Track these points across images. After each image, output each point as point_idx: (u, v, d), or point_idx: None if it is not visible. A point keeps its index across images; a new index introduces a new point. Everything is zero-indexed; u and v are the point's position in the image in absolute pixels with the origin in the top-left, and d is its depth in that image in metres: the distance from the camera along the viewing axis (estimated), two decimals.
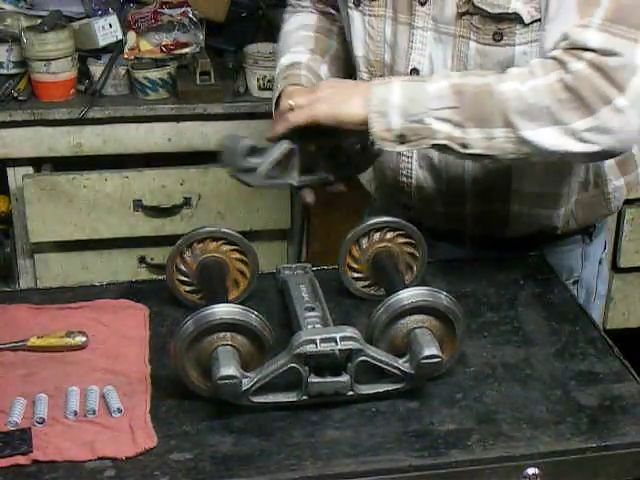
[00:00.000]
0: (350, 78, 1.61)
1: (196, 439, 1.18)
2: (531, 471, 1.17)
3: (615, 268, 2.69)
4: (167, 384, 1.27)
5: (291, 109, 1.35)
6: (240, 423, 1.21)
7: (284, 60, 1.65)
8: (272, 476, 1.13)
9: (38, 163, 2.48)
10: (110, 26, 2.44)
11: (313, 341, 1.19)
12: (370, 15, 1.53)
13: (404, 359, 1.24)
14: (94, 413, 1.21)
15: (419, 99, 1.31)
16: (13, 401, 1.22)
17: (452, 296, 1.27)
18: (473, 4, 1.39)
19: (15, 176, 2.44)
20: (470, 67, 1.44)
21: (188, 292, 1.45)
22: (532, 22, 1.38)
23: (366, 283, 1.48)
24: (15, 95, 2.39)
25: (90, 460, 1.14)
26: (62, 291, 1.53)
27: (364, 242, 1.46)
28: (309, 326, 1.31)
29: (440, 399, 1.26)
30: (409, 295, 1.25)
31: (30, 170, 2.45)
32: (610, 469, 1.20)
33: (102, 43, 2.44)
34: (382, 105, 1.32)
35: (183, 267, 1.43)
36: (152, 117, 2.41)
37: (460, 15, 1.42)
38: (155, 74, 2.41)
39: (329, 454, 1.16)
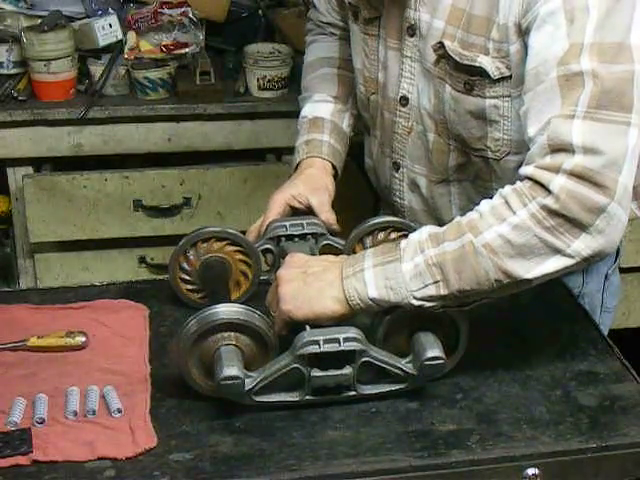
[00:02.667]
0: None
1: (196, 439, 1.18)
2: (531, 471, 1.17)
3: None
4: (167, 384, 1.27)
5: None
6: (240, 423, 1.21)
7: (307, 110, 1.65)
8: (272, 476, 1.13)
9: (38, 163, 2.48)
10: (110, 26, 2.44)
11: (316, 342, 1.19)
12: (365, 34, 1.52)
13: (407, 360, 1.24)
14: (94, 413, 1.21)
15: (397, 286, 1.21)
16: (13, 401, 1.22)
17: None
18: (446, 50, 1.37)
19: (15, 176, 2.44)
20: (446, 110, 1.42)
21: (189, 291, 1.45)
22: (501, 79, 1.34)
23: None
24: (15, 95, 2.39)
25: (90, 460, 1.14)
26: (62, 291, 1.53)
27: (368, 241, 1.46)
28: None
29: (440, 399, 1.26)
30: None
31: (30, 170, 2.45)
32: (610, 469, 1.20)
33: (102, 43, 2.44)
34: (362, 300, 1.23)
35: (186, 266, 1.43)
36: (152, 117, 2.40)
37: (438, 58, 1.40)
38: (155, 74, 2.41)
39: (329, 454, 1.16)
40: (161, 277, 1.51)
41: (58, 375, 1.29)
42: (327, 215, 1.52)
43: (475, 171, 1.46)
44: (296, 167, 1.60)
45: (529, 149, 1.23)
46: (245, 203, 2.46)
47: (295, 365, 1.20)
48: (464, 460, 1.16)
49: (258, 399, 1.22)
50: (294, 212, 1.52)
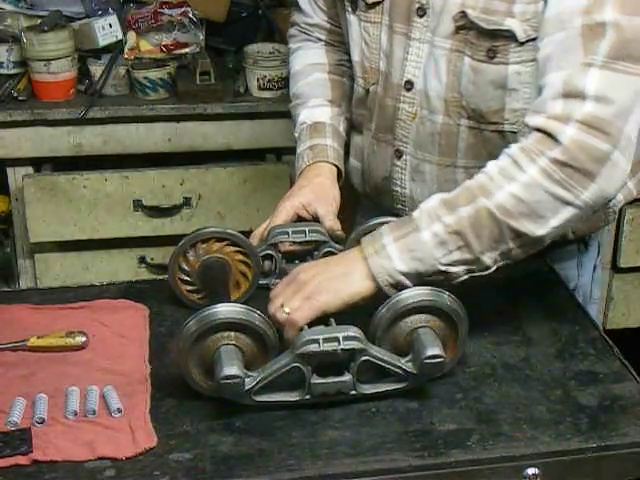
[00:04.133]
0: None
1: (196, 439, 1.18)
2: (531, 471, 1.17)
3: (615, 268, 2.69)
4: (167, 384, 1.27)
5: (288, 313, 1.27)
6: (240, 423, 1.21)
7: (305, 116, 1.64)
8: (272, 476, 1.13)
9: (38, 163, 2.48)
10: (110, 26, 2.44)
11: (316, 341, 1.19)
12: (366, 22, 1.51)
13: (407, 359, 1.24)
14: (94, 413, 1.21)
15: (423, 255, 1.25)
16: (13, 401, 1.22)
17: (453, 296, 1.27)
18: (469, 19, 1.37)
19: (15, 176, 2.44)
20: (463, 84, 1.41)
21: (189, 291, 1.45)
22: (527, 41, 1.35)
23: None
24: (15, 95, 2.39)
25: (90, 460, 1.14)
26: (62, 291, 1.53)
27: None
28: None
29: (440, 399, 1.26)
30: (412, 294, 1.26)
31: (30, 170, 2.45)
32: (610, 469, 1.20)
33: (102, 43, 2.44)
34: (391, 276, 1.26)
35: (185, 266, 1.44)
36: (152, 117, 2.41)
37: (457, 29, 1.40)
38: (155, 74, 2.41)
39: (329, 454, 1.16)
40: (161, 277, 1.52)
41: (58, 375, 1.29)
42: (331, 223, 1.51)
43: (487, 151, 1.45)
44: (300, 173, 1.59)
45: (540, 94, 1.27)
46: (245, 203, 2.46)
47: (295, 364, 1.20)
48: (464, 460, 1.16)
49: (258, 399, 1.22)
50: (299, 220, 1.52)
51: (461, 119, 1.45)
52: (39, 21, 2.42)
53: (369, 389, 1.24)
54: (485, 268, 1.29)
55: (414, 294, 1.26)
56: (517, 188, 1.23)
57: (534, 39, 1.34)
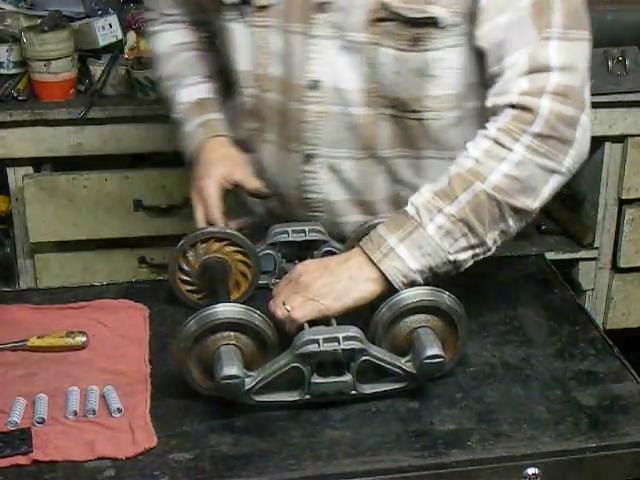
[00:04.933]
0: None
1: (196, 439, 1.18)
2: (531, 471, 1.17)
3: (615, 268, 2.69)
4: (167, 384, 1.27)
5: (289, 311, 1.27)
6: (240, 423, 1.21)
7: (185, 95, 1.59)
8: (272, 476, 1.13)
9: (38, 163, 2.48)
10: (110, 26, 2.44)
11: (316, 341, 1.19)
12: (256, 26, 1.44)
13: (406, 359, 1.24)
14: (94, 413, 1.21)
15: (432, 250, 1.27)
16: (13, 401, 1.22)
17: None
18: (390, 10, 1.35)
19: (15, 176, 2.44)
20: (383, 74, 1.40)
21: (189, 291, 1.45)
22: (450, 26, 1.36)
23: None
24: (15, 95, 2.39)
25: (90, 460, 1.14)
26: (62, 291, 1.53)
27: None
28: None
29: (440, 399, 1.26)
30: (412, 294, 1.26)
31: (30, 170, 2.45)
32: (610, 469, 1.20)
33: (102, 43, 2.44)
34: (406, 277, 1.28)
35: (185, 266, 1.43)
36: (152, 117, 2.40)
37: (373, 22, 1.37)
38: None
39: (329, 454, 1.16)
40: (161, 277, 1.51)
41: (58, 375, 1.29)
42: (254, 184, 1.50)
43: (408, 140, 1.45)
44: (198, 150, 1.55)
45: (494, 80, 1.32)
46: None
47: (295, 364, 1.20)
48: (464, 460, 1.16)
49: (258, 399, 1.22)
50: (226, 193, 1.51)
51: (382, 109, 1.43)
52: (39, 21, 2.41)
53: (369, 389, 1.24)
54: (487, 250, 1.32)
55: (414, 294, 1.26)
56: (509, 167, 1.27)
57: (458, 24, 1.35)
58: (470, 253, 1.30)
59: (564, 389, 1.28)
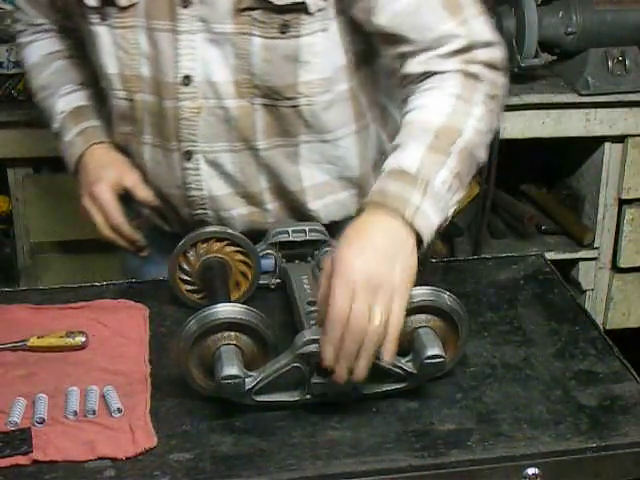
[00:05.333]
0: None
1: (196, 439, 1.18)
2: (531, 471, 1.17)
3: (615, 268, 2.69)
4: (167, 384, 1.27)
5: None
6: (240, 423, 1.21)
7: (61, 105, 1.58)
8: (272, 476, 1.13)
9: (38, 163, 2.48)
10: None
11: (316, 341, 1.19)
12: (121, 27, 1.42)
13: (407, 359, 1.24)
14: (94, 413, 1.21)
15: (444, 205, 1.27)
16: (13, 401, 1.22)
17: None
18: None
19: (15, 176, 2.44)
20: (254, 63, 1.39)
21: (189, 291, 1.45)
22: (318, 11, 1.37)
23: None
24: (15, 95, 2.39)
25: (90, 460, 1.14)
26: (62, 291, 1.53)
27: None
28: (312, 321, 1.31)
29: (440, 399, 1.26)
30: (413, 294, 1.25)
31: (30, 170, 2.45)
32: (610, 469, 1.20)
33: None
34: (431, 235, 1.24)
35: (186, 266, 1.44)
36: None
37: (239, 11, 1.37)
38: None
39: (329, 454, 1.16)
40: (161, 277, 1.51)
41: (58, 375, 1.29)
42: (144, 193, 1.51)
43: (283, 129, 1.45)
44: (80, 158, 1.55)
45: (412, 55, 1.37)
46: None
47: (295, 364, 1.20)
48: (464, 460, 1.16)
49: (258, 399, 1.22)
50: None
51: (255, 99, 1.43)
52: None
53: (369, 389, 1.24)
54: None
55: (414, 294, 1.25)
56: (476, 122, 1.33)
57: (324, 8, 1.37)
58: (454, 209, 1.31)
59: (564, 389, 1.28)
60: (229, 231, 1.45)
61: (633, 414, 1.23)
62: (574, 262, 2.70)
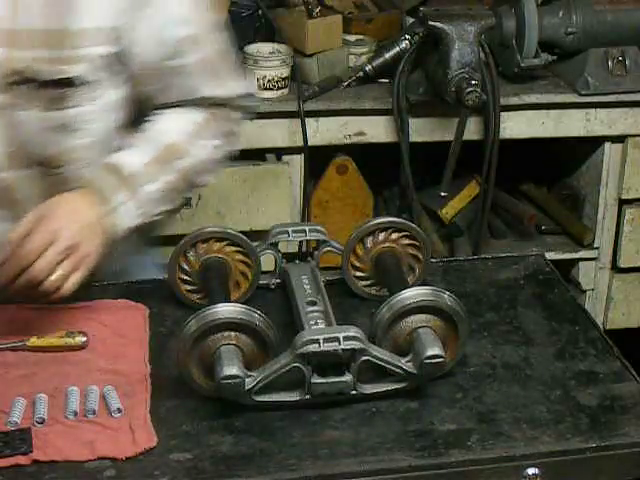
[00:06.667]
0: None
1: (196, 439, 1.18)
2: (531, 471, 1.17)
3: (615, 268, 2.69)
4: (167, 384, 1.27)
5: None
6: (240, 423, 1.21)
7: None
8: (272, 476, 1.13)
9: None
10: None
11: (316, 341, 1.19)
12: None
13: (407, 359, 1.24)
14: (94, 413, 1.21)
15: (145, 211, 1.41)
16: (13, 401, 1.22)
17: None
18: (24, 75, 1.35)
19: None
20: (26, 135, 1.40)
21: (189, 291, 1.45)
22: (87, 84, 1.38)
23: (368, 282, 1.48)
24: None
25: (90, 460, 1.14)
26: None
27: (369, 241, 1.46)
28: (311, 322, 1.31)
29: (440, 399, 1.26)
30: (413, 294, 1.26)
31: None
32: (610, 469, 1.20)
33: None
34: (122, 231, 1.38)
35: (186, 266, 1.44)
36: None
37: (8, 85, 1.36)
38: None
39: (329, 454, 1.16)
40: (161, 277, 1.52)
41: (58, 375, 1.29)
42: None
43: (52, 193, 1.41)
44: None
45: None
46: (245, 203, 2.46)
47: (295, 364, 1.20)
48: (464, 460, 1.16)
49: (258, 399, 1.22)
50: None
51: (28, 169, 1.43)
52: None
53: (369, 389, 1.24)
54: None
55: (414, 294, 1.26)
56: (209, 150, 1.46)
57: (96, 80, 1.39)
58: (163, 216, 1.44)
59: (564, 389, 1.28)
60: (229, 231, 1.45)
61: (633, 414, 1.23)
62: (574, 262, 2.69)
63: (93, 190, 1.36)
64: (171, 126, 1.46)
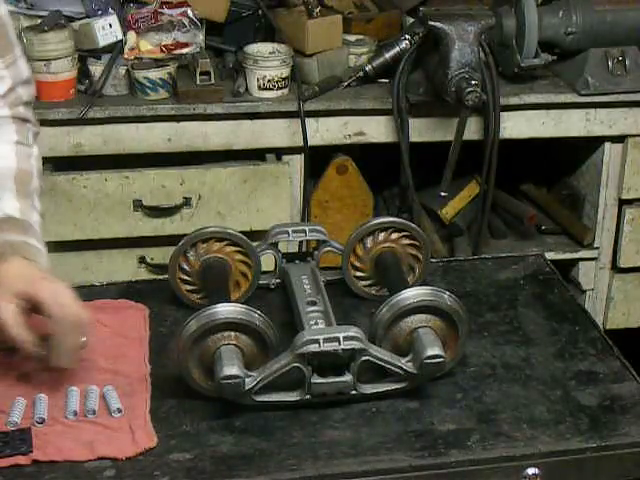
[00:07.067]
0: None
1: (196, 439, 1.18)
2: (531, 471, 1.17)
3: (615, 268, 2.69)
4: (167, 384, 1.27)
5: None
6: (240, 423, 1.21)
7: None
8: (272, 476, 1.13)
9: None
10: (110, 26, 2.44)
11: (316, 341, 1.19)
12: None
13: (407, 359, 1.24)
14: (94, 413, 1.21)
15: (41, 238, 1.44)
16: (13, 401, 1.22)
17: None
18: None
19: None
20: None
21: (189, 291, 1.45)
22: None
23: (368, 282, 1.48)
24: None
25: (90, 460, 1.14)
26: None
27: (369, 241, 1.46)
28: (311, 322, 1.32)
29: (440, 399, 1.26)
30: (413, 294, 1.26)
31: None
32: (610, 469, 1.20)
33: (102, 43, 2.43)
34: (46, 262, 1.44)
35: (186, 266, 1.44)
36: (152, 117, 2.40)
37: None
38: (155, 74, 2.41)
39: (329, 454, 1.16)
40: (161, 277, 1.52)
41: (58, 375, 1.29)
42: None
43: None
44: None
45: None
46: (245, 203, 2.46)
47: (295, 364, 1.20)
48: (464, 460, 1.16)
49: (258, 399, 1.22)
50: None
51: None
52: (39, 21, 2.41)
53: (369, 389, 1.25)
54: None
55: (414, 294, 1.26)
56: (36, 162, 1.47)
57: None
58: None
59: (564, 389, 1.28)
60: (229, 231, 1.45)
61: (633, 414, 1.23)
62: (574, 262, 2.69)
63: (19, 253, 1.33)
64: (1, 159, 1.42)
